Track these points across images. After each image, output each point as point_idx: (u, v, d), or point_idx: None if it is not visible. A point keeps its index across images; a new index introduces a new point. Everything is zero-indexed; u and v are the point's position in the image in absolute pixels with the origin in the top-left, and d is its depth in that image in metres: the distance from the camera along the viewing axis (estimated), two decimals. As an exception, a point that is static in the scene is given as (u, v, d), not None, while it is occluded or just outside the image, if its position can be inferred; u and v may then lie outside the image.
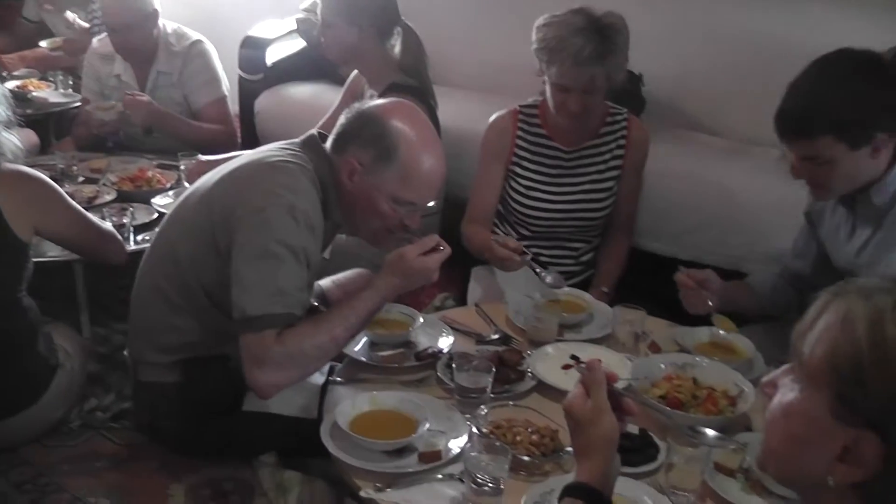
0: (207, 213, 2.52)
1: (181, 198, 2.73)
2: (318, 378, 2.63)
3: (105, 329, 3.59)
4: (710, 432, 2.18)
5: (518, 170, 3.33)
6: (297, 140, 2.60)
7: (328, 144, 2.56)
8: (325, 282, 3.17)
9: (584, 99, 3.10)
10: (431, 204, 2.62)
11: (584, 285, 3.29)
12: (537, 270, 2.96)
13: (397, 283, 2.48)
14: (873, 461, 1.12)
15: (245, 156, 2.63)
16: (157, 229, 2.81)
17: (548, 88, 3.17)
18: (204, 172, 2.77)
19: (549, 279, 2.96)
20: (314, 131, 2.61)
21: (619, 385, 2.36)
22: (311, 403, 2.58)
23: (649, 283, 3.49)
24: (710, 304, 2.76)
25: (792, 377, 1.26)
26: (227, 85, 4.44)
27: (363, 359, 2.61)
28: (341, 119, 2.58)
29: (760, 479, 2.12)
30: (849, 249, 2.61)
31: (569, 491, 1.57)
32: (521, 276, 3.19)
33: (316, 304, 2.90)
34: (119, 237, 3.16)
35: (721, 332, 2.77)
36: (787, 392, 1.26)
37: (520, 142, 3.33)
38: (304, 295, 2.46)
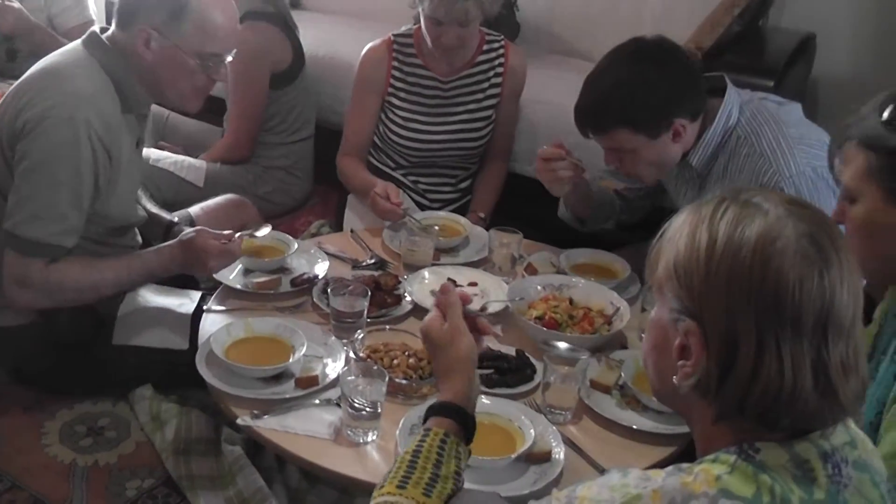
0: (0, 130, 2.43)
1: None
2: (188, 307, 2.58)
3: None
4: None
5: (395, 101, 3.27)
6: (78, 42, 2.49)
7: (113, 25, 2.46)
8: (194, 208, 3.10)
9: (459, 32, 3.06)
10: None
11: (462, 211, 3.29)
12: (417, 219, 2.92)
13: (177, 256, 2.49)
14: (698, 350, 1.20)
15: (35, 65, 2.51)
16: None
17: (422, 21, 3.11)
18: None
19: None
20: (94, 28, 2.51)
21: (496, 307, 2.41)
22: (180, 334, 2.54)
23: (525, 208, 3.51)
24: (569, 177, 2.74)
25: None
26: (95, 10, 4.24)
27: (237, 286, 2.56)
28: None
29: (636, 395, 2.17)
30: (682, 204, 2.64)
31: (434, 410, 1.60)
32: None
33: (175, 220, 2.85)
34: None
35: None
36: (654, 309, 1.34)
37: (395, 73, 3.26)
38: (80, 214, 2.39)
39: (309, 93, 3.75)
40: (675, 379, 1.24)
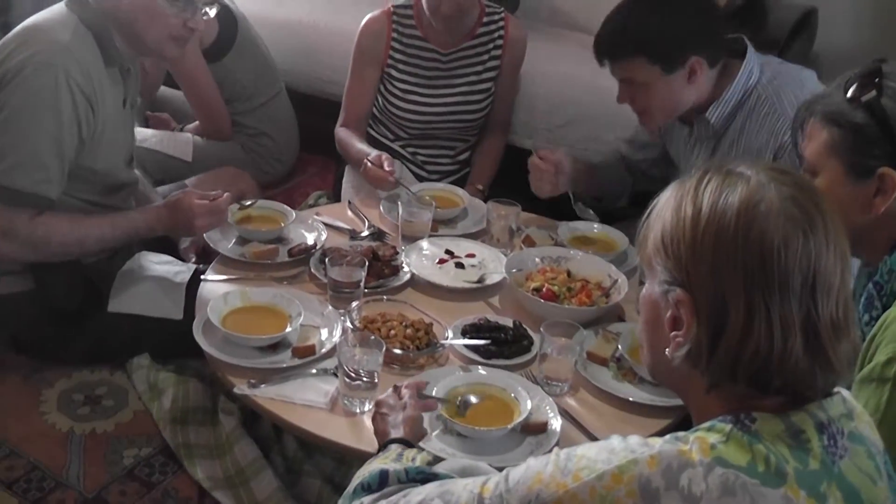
0: None
1: None
2: (184, 276, 2.58)
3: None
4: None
5: (394, 73, 3.25)
6: (60, 3, 2.50)
7: None
8: (190, 180, 3.11)
9: (458, 0, 3.05)
10: None
11: (461, 183, 3.28)
12: (412, 190, 2.91)
13: (164, 216, 2.54)
14: (688, 318, 1.21)
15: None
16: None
17: None
18: None
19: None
20: None
21: (493, 279, 2.42)
22: (175, 304, 2.54)
23: (524, 180, 3.50)
24: (558, 185, 2.82)
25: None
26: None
27: (235, 255, 2.56)
28: None
29: (632, 367, 2.18)
30: (691, 166, 2.64)
31: (395, 440, 1.70)
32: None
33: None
34: None
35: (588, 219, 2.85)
36: (644, 286, 1.35)
37: (395, 44, 3.24)
38: (62, 164, 2.40)
39: (250, 55, 3.68)
40: (667, 351, 1.25)
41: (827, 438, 1.18)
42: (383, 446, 1.69)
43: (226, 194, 2.56)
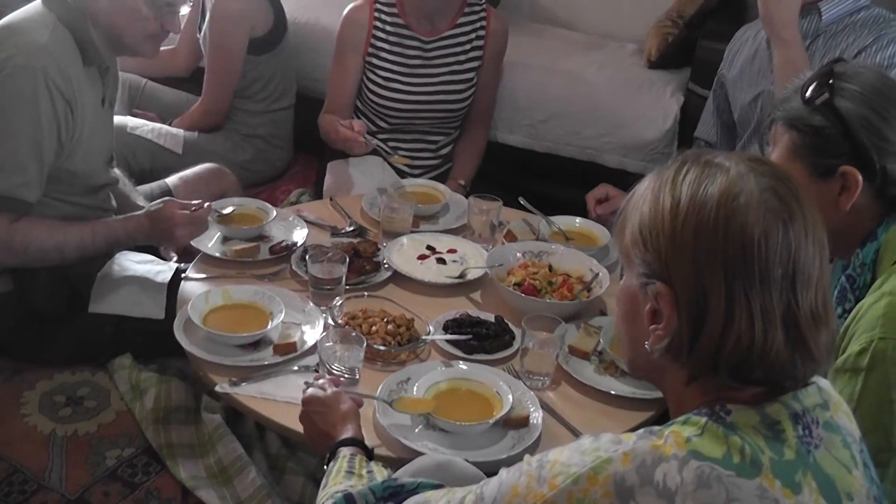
0: None
1: None
2: (165, 275, 2.57)
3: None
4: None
5: (375, 61, 3.26)
6: (37, 1, 2.49)
7: None
8: (172, 178, 3.09)
9: None
10: None
11: (443, 178, 3.28)
12: (386, 150, 2.92)
13: (144, 226, 2.53)
14: (668, 311, 1.21)
15: None
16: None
17: None
18: None
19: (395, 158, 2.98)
20: None
21: (475, 273, 2.42)
22: (156, 303, 2.52)
23: (506, 175, 3.51)
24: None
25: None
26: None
27: (216, 254, 2.55)
28: None
29: (614, 361, 2.18)
30: (767, 71, 2.65)
31: (339, 444, 1.70)
32: (375, 169, 3.16)
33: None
34: None
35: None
36: (622, 279, 1.35)
37: (377, 32, 3.24)
38: (41, 167, 2.39)
39: (291, 61, 3.72)
40: (647, 345, 1.25)
41: (802, 428, 1.18)
42: (332, 451, 1.69)
43: (206, 204, 2.55)
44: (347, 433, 1.73)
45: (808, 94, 1.76)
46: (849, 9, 2.56)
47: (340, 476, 1.57)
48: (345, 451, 1.66)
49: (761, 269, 1.15)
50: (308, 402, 1.80)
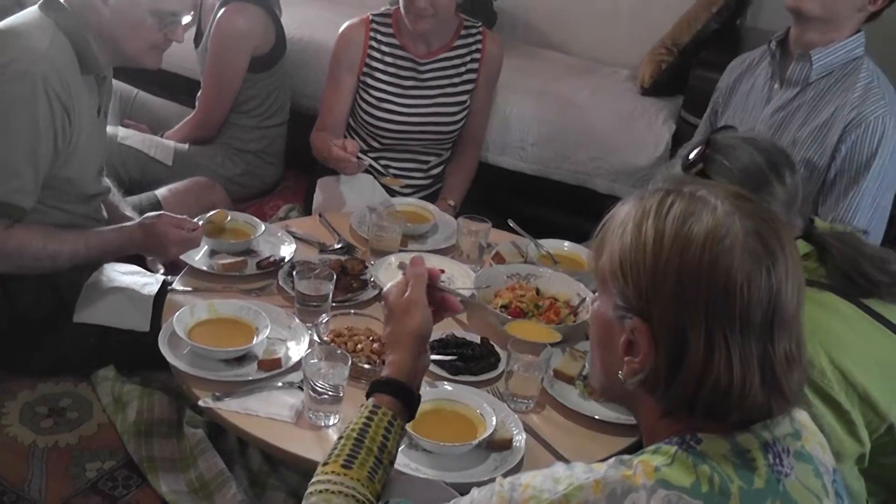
0: None
1: None
2: (151, 288, 2.56)
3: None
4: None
5: (370, 80, 3.26)
6: (35, 6, 2.49)
7: None
8: (161, 190, 3.09)
9: None
10: None
11: (433, 198, 3.29)
12: (378, 169, 2.93)
13: (137, 238, 2.52)
14: (645, 347, 1.20)
15: None
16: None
17: None
18: None
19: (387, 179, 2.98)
20: None
21: (462, 294, 2.41)
22: (142, 315, 2.51)
23: (495, 196, 3.51)
24: None
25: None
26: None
27: (203, 267, 2.54)
28: None
29: (598, 386, 2.17)
30: (764, 110, 2.67)
31: (377, 387, 1.58)
32: (365, 186, 3.16)
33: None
34: None
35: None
36: (596, 302, 1.34)
37: (372, 52, 3.25)
38: (36, 173, 2.39)
39: (287, 79, 3.73)
40: (620, 374, 1.25)
41: (773, 457, 1.19)
42: (372, 390, 1.57)
43: (201, 223, 2.55)
44: (391, 367, 1.59)
45: (689, 159, 1.86)
46: (841, 59, 2.54)
47: (374, 448, 1.48)
48: (385, 411, 1.52)
49: (742, 314, 1.15)
50: (384, 301, 1.68)
